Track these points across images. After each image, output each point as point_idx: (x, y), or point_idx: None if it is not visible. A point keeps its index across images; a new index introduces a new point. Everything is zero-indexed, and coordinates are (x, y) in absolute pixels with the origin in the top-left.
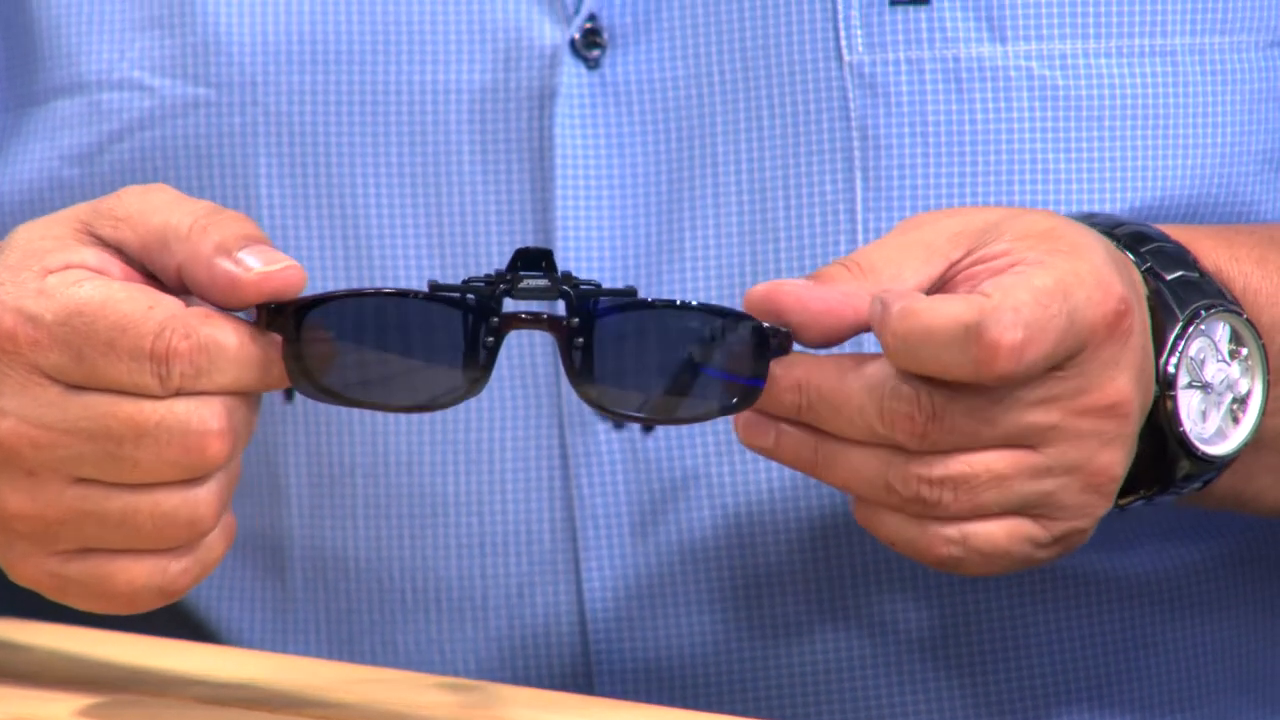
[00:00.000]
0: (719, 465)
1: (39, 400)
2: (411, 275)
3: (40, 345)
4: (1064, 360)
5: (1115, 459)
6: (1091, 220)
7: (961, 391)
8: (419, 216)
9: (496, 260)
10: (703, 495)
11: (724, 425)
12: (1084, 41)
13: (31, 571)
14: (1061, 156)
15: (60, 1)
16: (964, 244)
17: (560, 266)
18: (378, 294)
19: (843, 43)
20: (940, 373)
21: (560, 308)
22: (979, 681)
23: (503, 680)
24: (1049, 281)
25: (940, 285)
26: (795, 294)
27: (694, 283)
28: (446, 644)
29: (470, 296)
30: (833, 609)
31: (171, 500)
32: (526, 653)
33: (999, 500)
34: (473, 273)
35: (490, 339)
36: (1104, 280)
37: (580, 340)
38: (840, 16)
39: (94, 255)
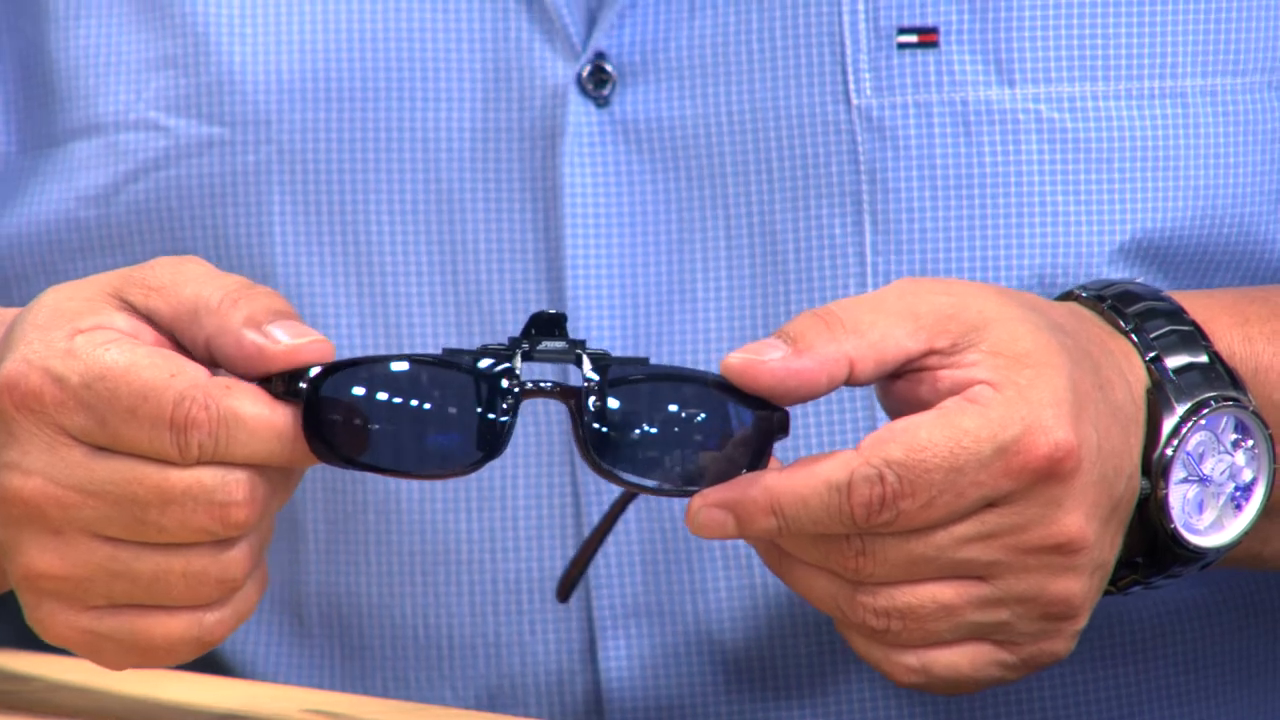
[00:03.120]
0: None
1: (65, 460)
2: (424, 311)
3: (65, 406)
4: (994, 500)
5: (1071, 588)
6: (1081, 290)
7: (889, 534)
8: (432, 254)
9: (508, 297)
10: (715, 541)
11: None
12: (1093, 84)
13: (63, 630)
14: (1071, 199)
15: (79, 44)
16: (949, 336)
17: (571, 304)
18: (393, 361)
19: (850, 86)
20: (825, 530)
21: (571, 374)
22: None
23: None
24: (949, 432)
25: (913, 366)
26: (775, 370)
27: (704, 323)
28: (459, 681)
29: (487, 364)
30: (845, 655)
31: (202, 560)
32: (539, 692)
33: (952, 629)
34: (485, 311)
35: (506, 405)
36: (1040, 425)
37: (593, 408)
38: (848, 60)
39: (125, 320)
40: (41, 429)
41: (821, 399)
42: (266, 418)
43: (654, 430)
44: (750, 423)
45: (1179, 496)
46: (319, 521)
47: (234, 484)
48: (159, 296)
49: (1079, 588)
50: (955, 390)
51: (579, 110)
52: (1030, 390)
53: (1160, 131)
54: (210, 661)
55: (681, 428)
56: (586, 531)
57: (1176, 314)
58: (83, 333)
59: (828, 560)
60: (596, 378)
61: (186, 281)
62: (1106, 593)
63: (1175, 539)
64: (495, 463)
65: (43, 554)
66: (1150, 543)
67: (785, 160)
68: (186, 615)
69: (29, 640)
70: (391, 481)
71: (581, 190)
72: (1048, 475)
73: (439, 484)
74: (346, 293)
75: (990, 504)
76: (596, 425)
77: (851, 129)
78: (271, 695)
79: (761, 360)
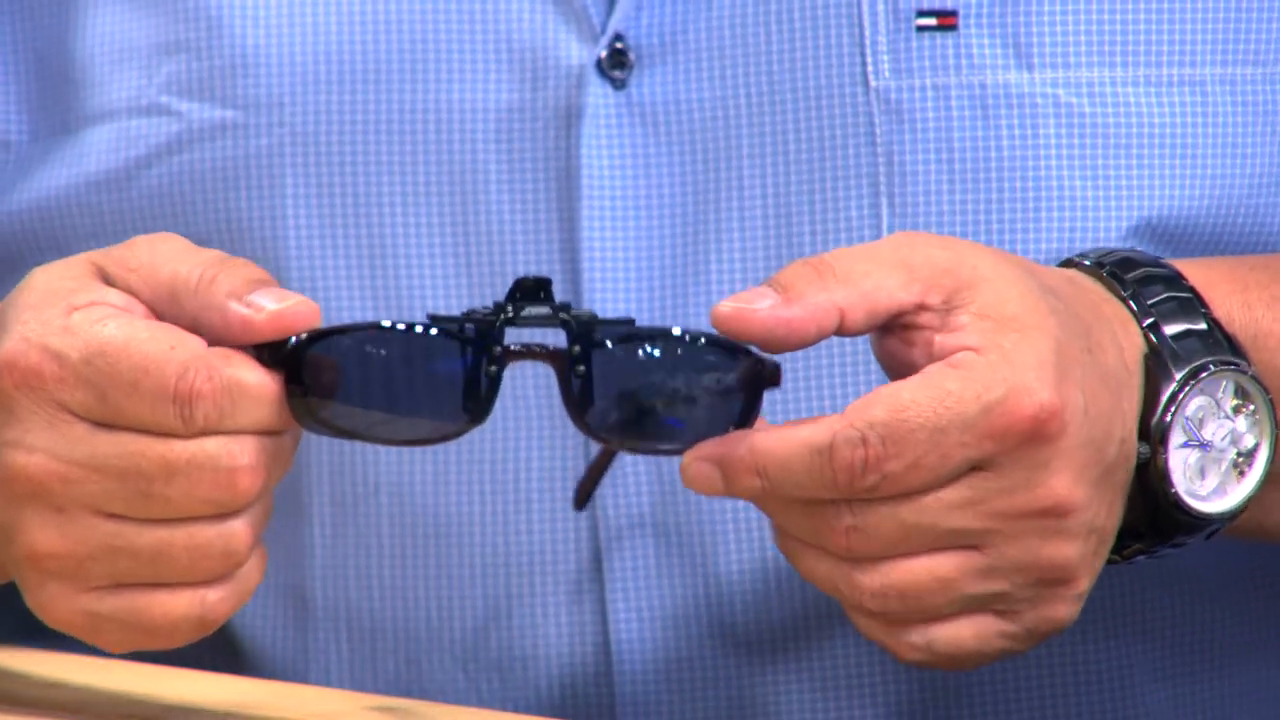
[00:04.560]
0: None
1: (67, 437)
2: (439, 295)
3: (65, 383)
4: (980, 464)
5: (1064, 552)
6: (1082, 258)
7: (878, 502)
8: (445, 236)
9: None
10: (727, 516)
11: None
12: (1111, 70)
13: (64, 612)
14: (1088, 184)
15: (93, 32)
16: (942, 291)
17: (586, 286)
18: (376, 328)
19: (869, 68)
20: (811, 495)
21: (557, 338)
22: None
23: (525, 705)
24: (932, 393)
25: (905, 321)
26: (764, 318)
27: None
28: (470, 664)
29: (470, 328)
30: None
31: (206, 533)
32: (550, 677)
33: (950, 603)
34: (500, 294)
35: (492, 369)
36: (1024, 386)
37: (579, 370)
38: (867, 41)
39: (118, 295)
40: (42, 406)
41: (822, 364)
42: (268, 384)
43: (642, 390)
44: (739, 377)
45: (1179, 462)
46: (324, 504)
47: (238, 451)
48: (137, 276)
49: (1073, 551)
50: (943, 356)
51: (598, 93)
52: (1015, 353)
53: (1178, 119)
54: (217, 643)
55: (670, 386)
56: (599, 510)
57: (1175, 280)
58: (79, 309)
59: (819, 537)
60: (582, 340)
61: (164, 261)
62: (1111, 563)
63: (1177, 505)
64: (508, 444)
65: (45, 532)
66: (1153, 510)
67: (802, 142)
68: (188, 593)
69: (28, 636)
70: (402, 462)
71: (599, 173)
72: (1032, 437)
73: (450, 464)
74: (360, 276)
75: (976, 468)
76: (583, 387)
77: (869, 111)
78: (272, 692)
79: (751, 308)
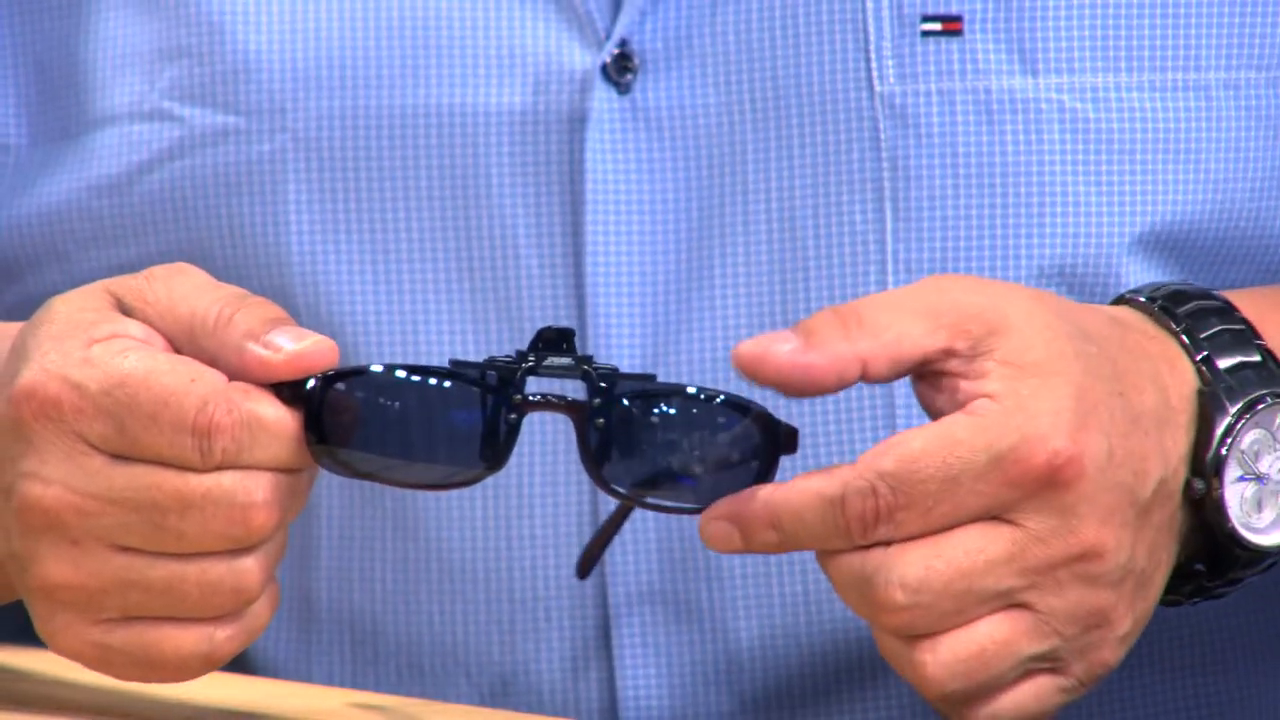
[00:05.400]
0: None
1: (84, 469)
2: (442, 300)
3: (84, 414)
4: (1003, 513)
5: (1102, 597)
6: (1135, 294)
7: (933, 574)
8: (449, 241)
9: (526, 284)
10: (737, 587)
11: None
12: (1115, 75)
13: (73, 642)
14: (1092, 189)
15: (95, 37)
16: (968, 338)
17: (590, 291)
18: (395, 372)
19: (874, 73)
20: (826, 545)
21: (576, 389)
22: None
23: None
24: (941, 443)
25: (934, 368)
26: (782, 363)
27: (723, 311)
28: (473, 668)
29: (491, 375)
30: (868, 666)
31: (218, 569)
32: (553, 678)
33: (1014, 667)
34: (503, 299)
35: (512, 417)
36: (1037, 434)
37: (599, 424)
38: (872, 47)
39: (138, 326)
40: (60, 438)
41: (842, 407)
42: (287, 421)
43: (659, 448)
44: (756, 440)
45: (1235, 495)
46: (333, 506)
47: (254, 487)
48: (154, 311)
49: (1110, 595)
50: (967, 402)
51: (603, 98)
52: (1031, 400)
53: (1182, 124)
54: None
55: (686, 445)
56: (608, 579)
57: (1227, 312)
58: (99, 341)
59: (875, 619)
60: (602, 394)
61: (181, 299)
62: (1172, 604)
63: (1234, 538)
64: (513, 477)
65: (59, 564)
66: (1211, 546)
67: (807, 147)
68: (197, 629)
69: (32, 636)
70: (409, 503)
71: (604, 178)
72: (1050, 483)
73: (454, 503)
74: (363, 280)
75: (1004, 520)
76: (601, 441)
77: (874, 116)
78: (273, 692)
79: (771, 351)
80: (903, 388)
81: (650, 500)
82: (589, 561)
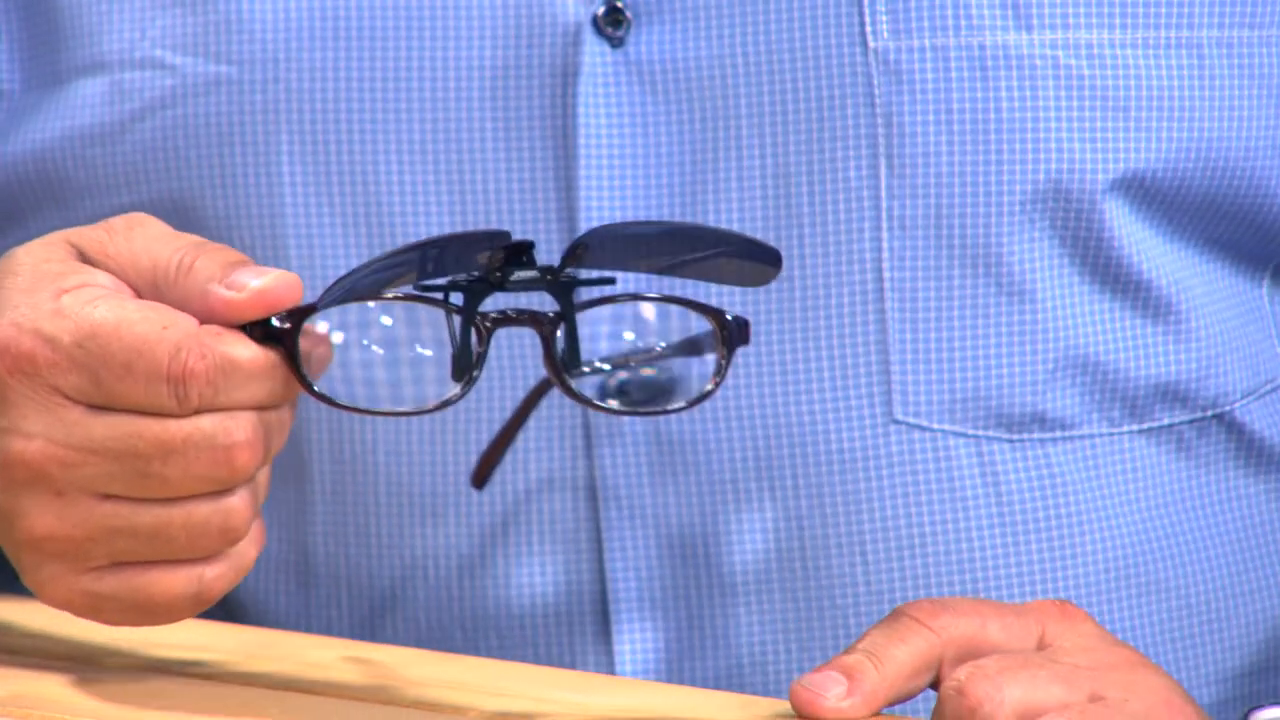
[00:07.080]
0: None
1: (63, 421)
2: None
3: (59, 367)
4: None
5: None
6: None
7: None
8: (441, 194)
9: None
10: (739, 591)
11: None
12: (1110, 31)
13: (63, 592)
14: (1087, 146)
15: None
16: (953, 664)
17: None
18: (364, 296)
19: (867, 28)
20: None
21: (544, 302)
22: None
23: (521, 651)
24: None
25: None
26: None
27: None
28: (468, 620)
29: (455, 295)
30: None
31: (204, 511)
32: (548, 621)
33: None
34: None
35: (479, 336)
36: None
37: (564, 334)
38: (865, 2)
39: (106, 275)
40: (37, 391)
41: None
42: (261, 359)
43: (625, 352)
44: (712, 334)
45: None
46: (325, 462)
47: (234, 428)
48: (115, 265)
49: None
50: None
51: (594, 51)
52: None
53: (1175, 81)
54: (222, 601)
55: (650, 346)
56: (597, 468)
57: None
58: (68, 292)
59: None
60: (564, 303)
61: (143, 250)
62: None
63: None
64: (505, 404)
65: (44, 516)
66: None
67: (800, 102)
68: (186, 570)
69: (18, 586)
70: (399, 421)
71: (596, 131)
72: None
73: (447, 424)
74: (355, 234)
75: None
76: (568, 351)
77: (868, 72)
78: (272, 641)
79: (822, 698)
80: (897, 373)
81: (620, 407)
82: (484, 471)
